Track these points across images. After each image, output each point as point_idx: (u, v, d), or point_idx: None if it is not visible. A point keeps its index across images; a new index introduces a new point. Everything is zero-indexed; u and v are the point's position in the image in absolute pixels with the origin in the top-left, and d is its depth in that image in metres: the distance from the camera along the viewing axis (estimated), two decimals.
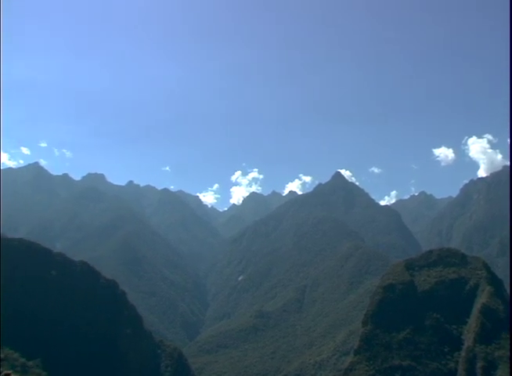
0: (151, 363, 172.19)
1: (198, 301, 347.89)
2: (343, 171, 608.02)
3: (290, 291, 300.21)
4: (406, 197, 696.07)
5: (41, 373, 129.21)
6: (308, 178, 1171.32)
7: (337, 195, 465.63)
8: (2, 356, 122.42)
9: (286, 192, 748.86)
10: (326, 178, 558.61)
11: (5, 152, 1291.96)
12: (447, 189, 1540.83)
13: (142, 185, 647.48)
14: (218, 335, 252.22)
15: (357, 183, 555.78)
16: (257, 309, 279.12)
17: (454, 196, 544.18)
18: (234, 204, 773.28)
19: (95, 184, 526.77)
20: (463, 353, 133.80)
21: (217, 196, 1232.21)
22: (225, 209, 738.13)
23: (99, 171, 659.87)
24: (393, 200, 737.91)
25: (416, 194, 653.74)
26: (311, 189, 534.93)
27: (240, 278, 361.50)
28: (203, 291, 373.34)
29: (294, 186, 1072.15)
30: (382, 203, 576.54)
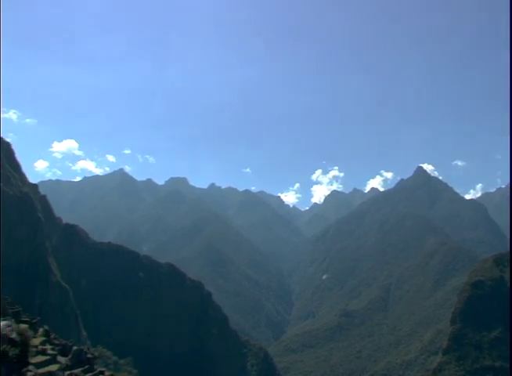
0: (237, 362, 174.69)
1: (282, 301, 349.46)
2: (425, 166, 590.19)
3: (375, 289, 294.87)
4: (493, 189, 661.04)
5: (132, 370, 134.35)
6: (389, 175, 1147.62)
7: (419, 190, 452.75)
8: (96, 354, 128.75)
9: (367, 189, 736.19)
10: (407, 174, 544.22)
11: (92, 160, 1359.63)
12: None
13: (223, 187, 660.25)
14: (303, 334, 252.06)
15: (440, 177, 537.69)
16: (342, 308, 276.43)
17: None
18: (316, 203, 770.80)
19: (177, 188, 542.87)
20: None
21: (298, 195, 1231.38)
22: (307, 208, 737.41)
23: (181, 175, 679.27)
24: (479, 194, 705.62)
25: (503, 186, 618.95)
26: (393, 186, 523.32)
27: (324, 277, 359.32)
28: (288, 290, 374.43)
29: (376, 183, 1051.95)
30: (467, 197, 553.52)
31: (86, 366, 37.76)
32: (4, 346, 21.76)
